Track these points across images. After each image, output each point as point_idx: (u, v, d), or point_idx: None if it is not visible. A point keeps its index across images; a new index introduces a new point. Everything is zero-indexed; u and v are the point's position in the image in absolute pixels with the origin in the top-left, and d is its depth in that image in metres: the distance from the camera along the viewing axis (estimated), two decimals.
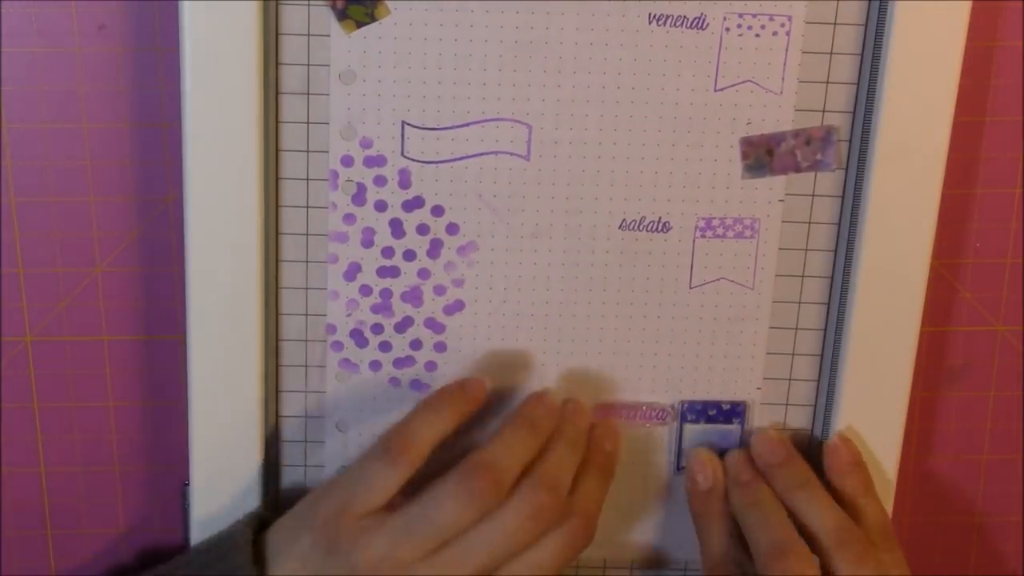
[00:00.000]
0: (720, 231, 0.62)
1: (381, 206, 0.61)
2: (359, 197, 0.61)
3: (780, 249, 0.63)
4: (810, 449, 0.65)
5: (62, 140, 0.61)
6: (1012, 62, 0.62)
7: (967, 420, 0.68)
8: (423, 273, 0.62)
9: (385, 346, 0.63)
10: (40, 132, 0.60)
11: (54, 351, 0.64)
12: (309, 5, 0.58)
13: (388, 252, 0.62)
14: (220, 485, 0.62)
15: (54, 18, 0.59)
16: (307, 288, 0.62)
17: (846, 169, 0.61)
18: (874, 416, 0.64)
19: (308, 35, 0.59)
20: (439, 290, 0.62)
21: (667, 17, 0.59)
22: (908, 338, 0.63)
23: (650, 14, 0.59)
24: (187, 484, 0.62)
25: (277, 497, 0.64)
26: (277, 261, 0.61)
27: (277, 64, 0.59)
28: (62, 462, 0.66)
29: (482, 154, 0.60)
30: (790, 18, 0.59)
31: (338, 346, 0.63)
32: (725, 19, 0.59)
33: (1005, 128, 0.63)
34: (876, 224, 0.61)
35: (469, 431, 0.63)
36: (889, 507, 0.65)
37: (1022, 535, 0.70)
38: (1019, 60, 0.62)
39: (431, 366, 0.63)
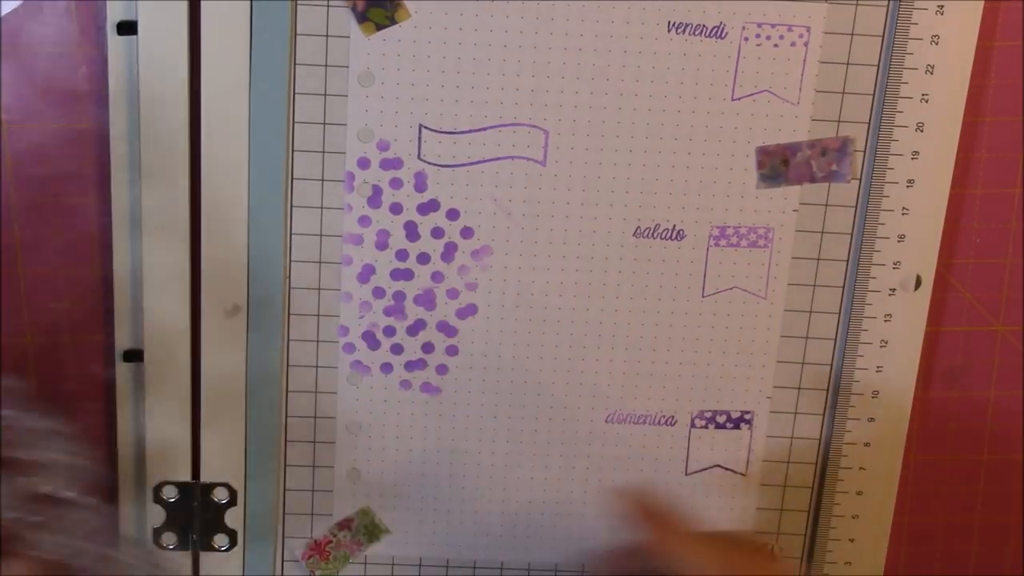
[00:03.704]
0: (734, 240, 0.62)
1: (396, 209, 0.61)
2: (375, 199, 0.61)
3: (793, 258, 0.63)
4: (819, 459, 0.65)
5: (62, 140, 0.60)
6: (1012, 62, 0.62)
7: (967, 420, 0.68)
8: (437, 276, 0.62)
9: (397, 349, 0.63)
10: (40, 132, 0.60)
11: (54, 351, 0.63)
12: (328, 6, 0.58)
13: (402, 255, 0.61)
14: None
15: (54, 18, 0.58)
16: (319, 289, 0.62)
17: (860, 179, 0.62)
18: (881, 423, 0.65)
19: (326, 36, 0.58)
20: (452, 294, 0.62)
21: (686, 26, 0.59)
22: (914, 346, 0.64)
23: (669, 22, 0.59)
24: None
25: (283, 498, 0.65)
26: (289, 261, 0.61)
27: (293, 64, 0.58)
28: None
29: (499, 159, 0.60)
30: (808, 29, 0.59)
31: (350, 348, 0.63)
32: (744, 28, 0.59)
33: (1005, 128, 0.63)
34: (887, 234, 0.62)
35: (479, 438, 0.63)
36: (891, 508, 0.66)
37: (1022, 535, 0.71)
38: (1019, 60, 0.62)
39: (442, 369, 0.63)
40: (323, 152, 0.60)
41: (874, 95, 0.61)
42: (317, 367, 0.63)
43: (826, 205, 0.62)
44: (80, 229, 0.62)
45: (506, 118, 0.60)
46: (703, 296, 0.63)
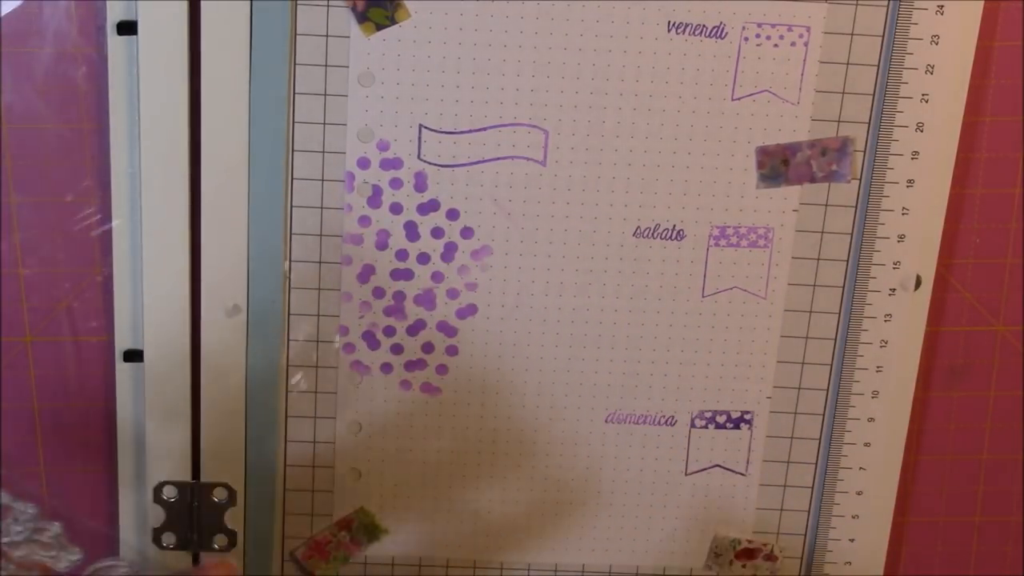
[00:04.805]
0: (734, 240, 0.62)
1: (396, 208, 0.61)
2: (375, 199, 0.61)
3: (793, 258, 0.63)
4: (818, 459, 0.65)
5: (62, 140, 0.60)
6: (1012, 62, 0.62)
7: (967, 420, 0.68)
8: (437, 276, 0.62)
9: (397, 348, 0.63)
10: (40, 132, 0.60)
11: (54, 351, 0.63)
12: (328, 6, 0.58)
13: (402, 255, 0.61)
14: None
15: (54, 18, 0.58)
16: (319, 289, 0.62)
17: (860, 179, 0.62)
18: (881, 424, 0.65)
19: (326, 36, 0.58)
20: (452, 294, 0.62)
21: (686, 26, 0.59)
22: (914, 346, 0.64)
23: (669, 22, 0.59)
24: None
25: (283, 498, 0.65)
26: (289, 261, 0.61)
27: (293, 64, 0.58)
28: (61, 462, 0.65)
29: (499, 159, 0.60)
30: (808, 29, 0.59)
31: (350, 348, 0.63)
32: (744, 28, 0.59)
33: (1005, 128, 0.63)
34: (887, 234, 0.62)
35: (472, 439, 0.63)
36: (891, 508, 0.66)
37: (1022, 535, 0.71)
38: (1019, 60, 0.62)
39: (442, 369, 0.63)
40: (323, 152, 0.60)
41: (874, 95, 0.61)
42: (317, 367, 0.63)
43: (826, 205, 0.62)
44: (80, 229, 0.62)
45: (506, 118, 0.60)
46: (703, 296, 0.63)
